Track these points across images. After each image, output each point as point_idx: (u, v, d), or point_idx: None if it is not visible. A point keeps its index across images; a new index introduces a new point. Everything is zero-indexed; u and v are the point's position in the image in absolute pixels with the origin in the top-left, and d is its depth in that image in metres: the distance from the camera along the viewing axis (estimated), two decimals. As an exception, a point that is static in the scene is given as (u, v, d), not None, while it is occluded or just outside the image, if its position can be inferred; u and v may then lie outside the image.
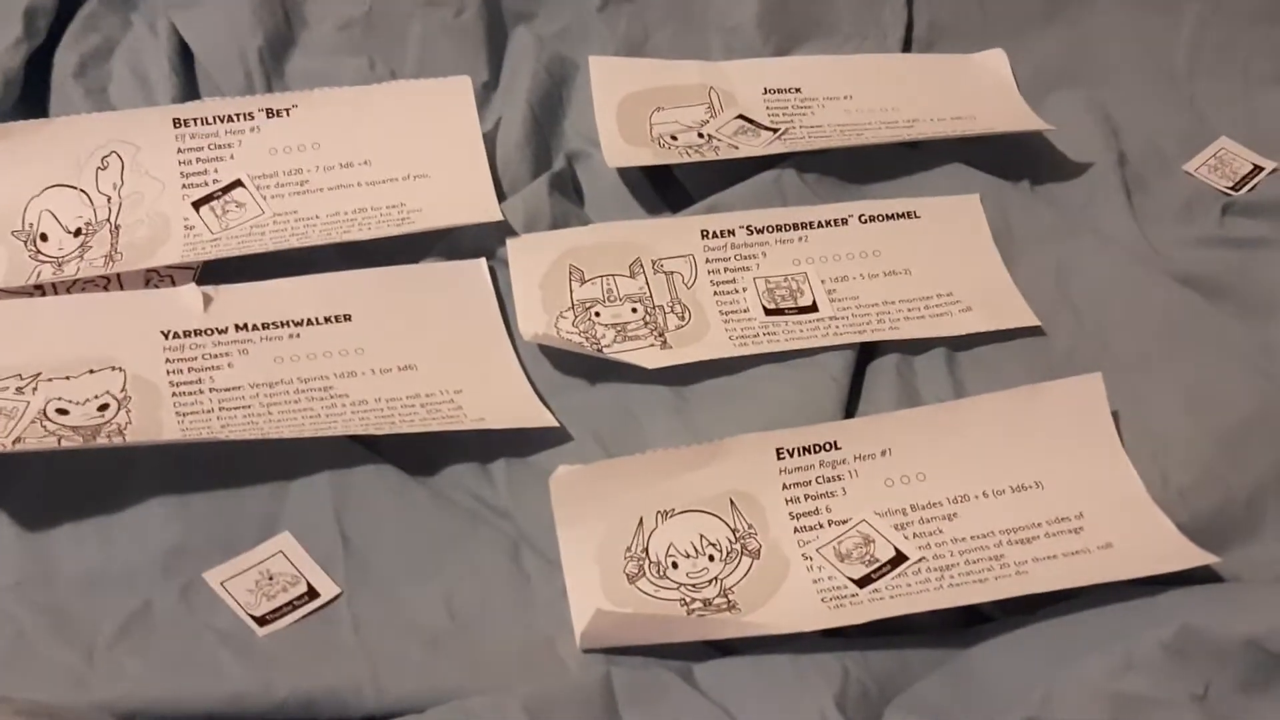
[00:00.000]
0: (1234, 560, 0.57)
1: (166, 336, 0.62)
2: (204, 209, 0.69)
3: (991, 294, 0.69)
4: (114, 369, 0.60)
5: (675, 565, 0.56)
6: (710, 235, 0.69)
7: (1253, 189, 0.76)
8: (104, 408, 0.59)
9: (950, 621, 0.56)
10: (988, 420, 0.60)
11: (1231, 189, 0.76)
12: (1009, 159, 0.76)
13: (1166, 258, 0.71)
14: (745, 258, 0.69)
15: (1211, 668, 0.50)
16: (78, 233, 0.67)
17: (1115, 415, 0.61)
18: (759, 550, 0.57)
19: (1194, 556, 0.55)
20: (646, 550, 0.57)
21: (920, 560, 0.56)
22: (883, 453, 0.59)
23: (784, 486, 0.58)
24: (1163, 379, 0.64)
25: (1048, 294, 0.69)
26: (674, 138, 0.75)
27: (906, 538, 0.57)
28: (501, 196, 0.71)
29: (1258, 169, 0.77)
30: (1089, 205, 0.75)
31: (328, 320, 0.64)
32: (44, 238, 0.67)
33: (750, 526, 0.58)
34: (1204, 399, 0.63)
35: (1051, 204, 0.75)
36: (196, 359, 0.61)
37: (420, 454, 0.60)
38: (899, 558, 0.56)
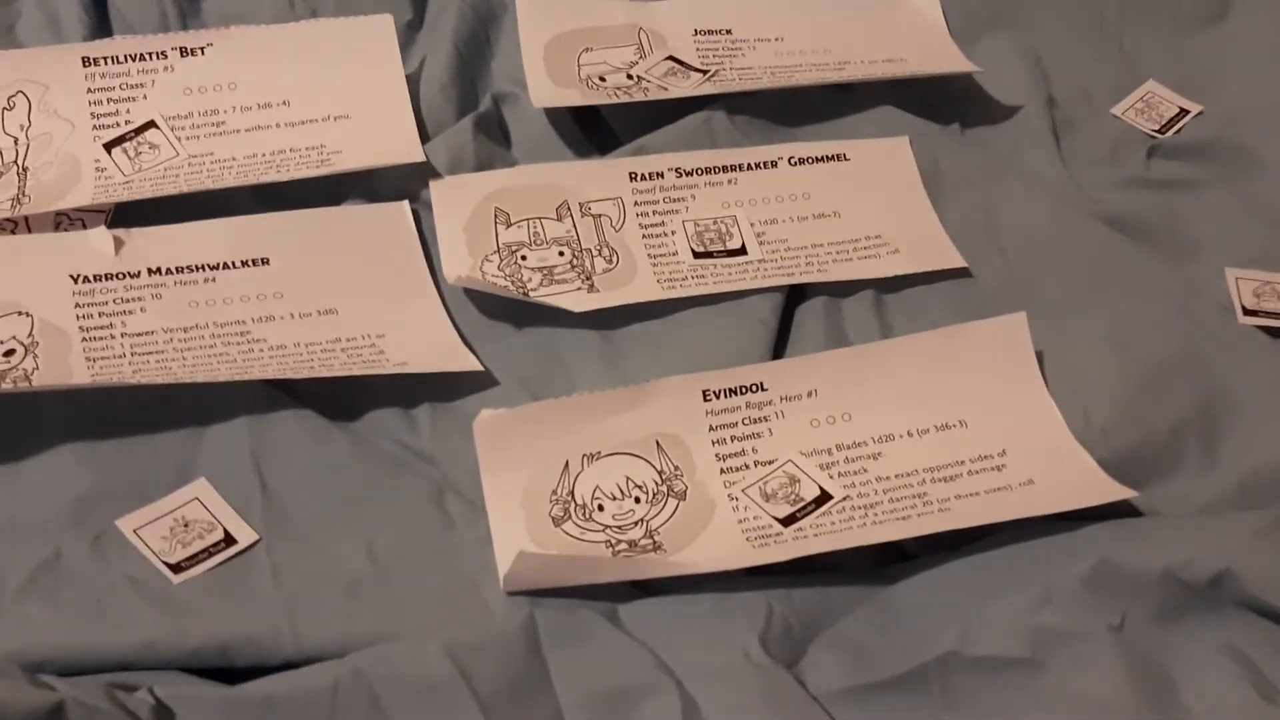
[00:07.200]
0: (1153, 495, 0.57)
1: (76, 281, 0.60)
2: (116, 150, 0.67)
3: (919, 236, 0.69)
4: (20, 314, 0.58)
5: (601, 508, 0.56)
6: (639, 178, 0.68)
7: (1179, 131, 0.76)
8: (10, 353, 0.57)
9: (874, 559, 0.56)
10: (913, 360, 0.60)
11: (1158, 131, 0.76)
12: (939, 102, 0.76)
13: (1093, 200, 0.71)
14: (674, 200, 0.68)
15: (1128, 600, 0.50)
16: (-17, 175, 0.65)
17: (1040, 355, 0.61)
18: (685, 491, 0.57)
19: (1113, 491, 0.56)
20: (572, 493, 0.56)
21: (845, 499, 0.56)
22: (809, 394, 0.59)
23: (710, 428, 0.58)
24: (1087, 319, 0.64)
25: (975, 236, 0.69)
26: (602, 79, 0.74)
27: (831, 477, 0.57)
28: (425, 138, 0.70)
29: (1184, 112, 0.77)
30: (1017, 148, 0.75)
31: (245, 264, 0.62)
32: (-53, 180, 0.65)
33: (676, 468, 0.57)
34: (1127, 338, 0.63)
35: (980, 147, 0.75)
36: (107, 304, 0.60)
37: (341, 399, 0.59)
38: (824, 497, 0.56)
